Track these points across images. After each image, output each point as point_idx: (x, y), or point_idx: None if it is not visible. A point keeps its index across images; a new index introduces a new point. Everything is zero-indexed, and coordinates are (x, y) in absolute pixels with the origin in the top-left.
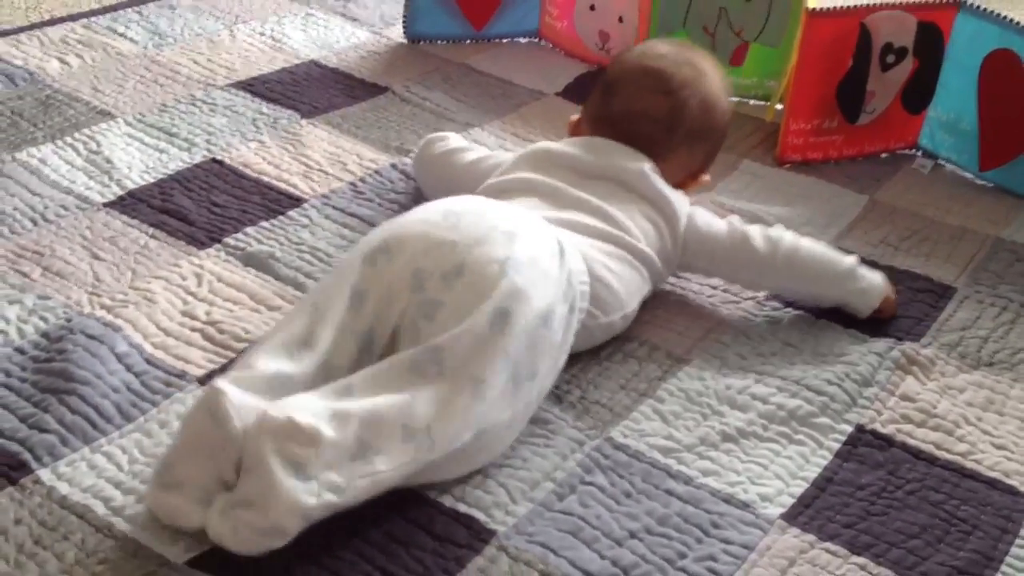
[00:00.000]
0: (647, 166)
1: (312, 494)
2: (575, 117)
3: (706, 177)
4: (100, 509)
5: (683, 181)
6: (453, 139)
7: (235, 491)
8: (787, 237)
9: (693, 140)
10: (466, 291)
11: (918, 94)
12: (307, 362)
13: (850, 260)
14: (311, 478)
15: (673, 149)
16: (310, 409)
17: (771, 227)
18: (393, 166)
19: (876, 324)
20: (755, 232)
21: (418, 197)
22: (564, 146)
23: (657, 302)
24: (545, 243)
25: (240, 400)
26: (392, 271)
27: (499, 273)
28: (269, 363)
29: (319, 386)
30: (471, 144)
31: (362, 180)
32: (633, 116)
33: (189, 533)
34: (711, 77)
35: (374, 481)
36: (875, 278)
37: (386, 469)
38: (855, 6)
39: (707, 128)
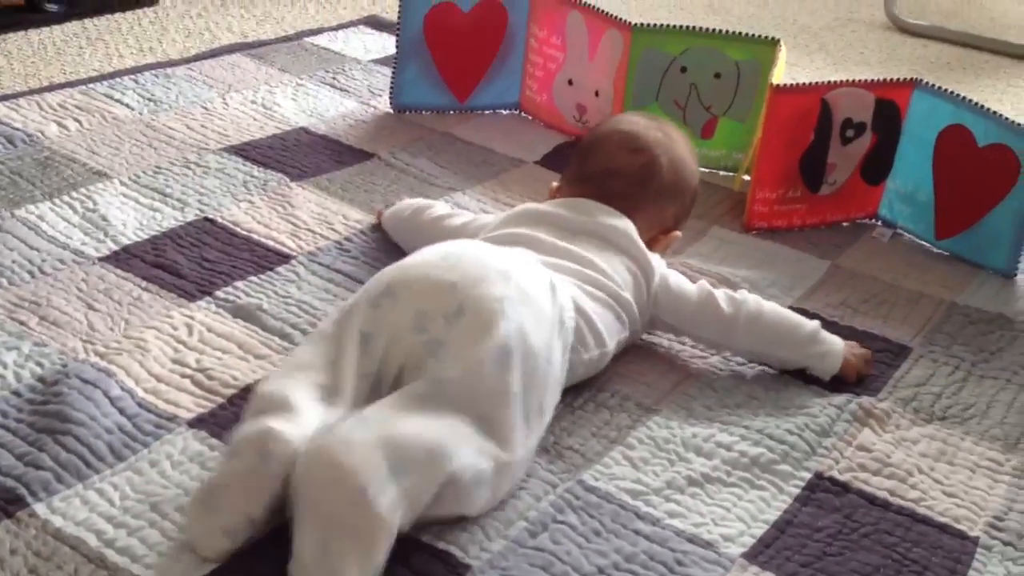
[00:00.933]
0: (629, 225)
1: (393, 508)
2: (555, 184)
3: (677, 233)
4: (93, 541)
5: (655, 238)
6: (439, 206)
7: (313, 526)
8: (751, 300)
9: (663, 196)
10: (468, 330)
11: (877, 167)
12: (339, 411)
13: (812, 325)
14: (385, 487)
15: (645, 205)
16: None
17: (737, 291)
18: (378, 227)
19: (836, 380)
20: (721, 294)
21: (402, 256)
22: (548, 206)
23: (629, 356)
24: (538, 281)
25: (287, 443)
26: (395, 313)
27: (498, 312)
28: (313, 409)
29: None
30: (457, 210)
31: (348, 239)
32: (608, 173)
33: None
34: (679, 141)
35: (410, 501)
36: (836, 343)
37: (418, 483)
38: (817, 83)
39: (676, 185)
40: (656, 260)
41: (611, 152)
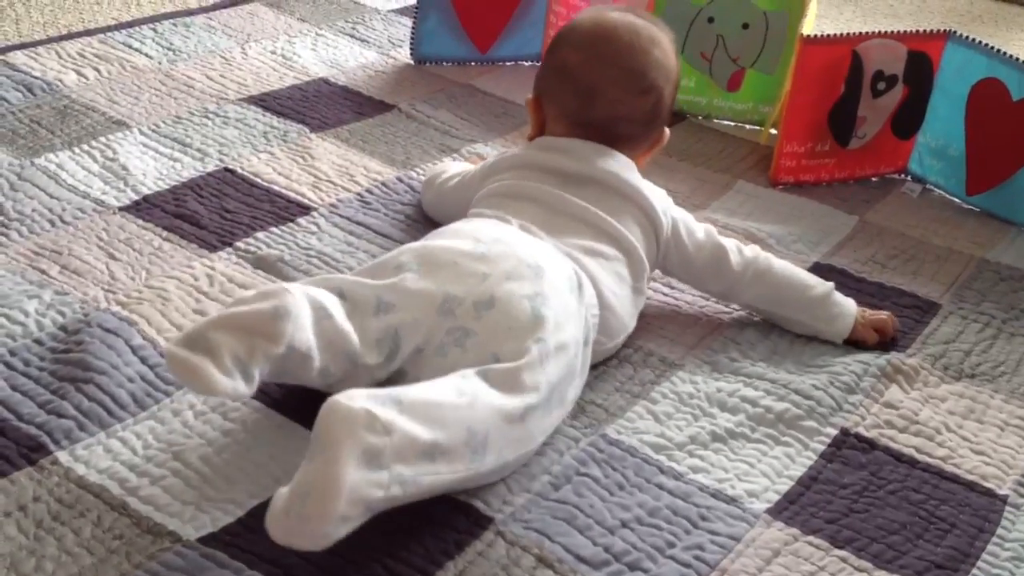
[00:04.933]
0: (629, 168)
1: (381, 486)
2: (529, 97)
3: (666, 132)
4: (115, 489)
5: (648, 149)
6: (446, 171)
7: (298, 479)
8: (762, 256)
9: (664, 120)
10: (497, 323)
11: (908, 120)
12: (354, 319)
13: (824, 287)
14: (383, 468)
15: (648, 136)
16: (382, 399)
17: (748, 245)
18: (399, 179)
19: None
20: (732, 246)
21: (423, 209)
22: (543, 153)
23: (651, 312)
24: (566, 278)
25: (300, 308)
26: (421, 292)
27: (530, 309)
28: (328, 297)
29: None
30: (457, 171)
31: (368, 191)
32: (617, 120)
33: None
34: (668, 46)
35: (433, 482)
36: (848, 306)
37: (447, 472)
38: (848, 34)
39: (673, 102)
40: (660, 200)
41: (619, 98)
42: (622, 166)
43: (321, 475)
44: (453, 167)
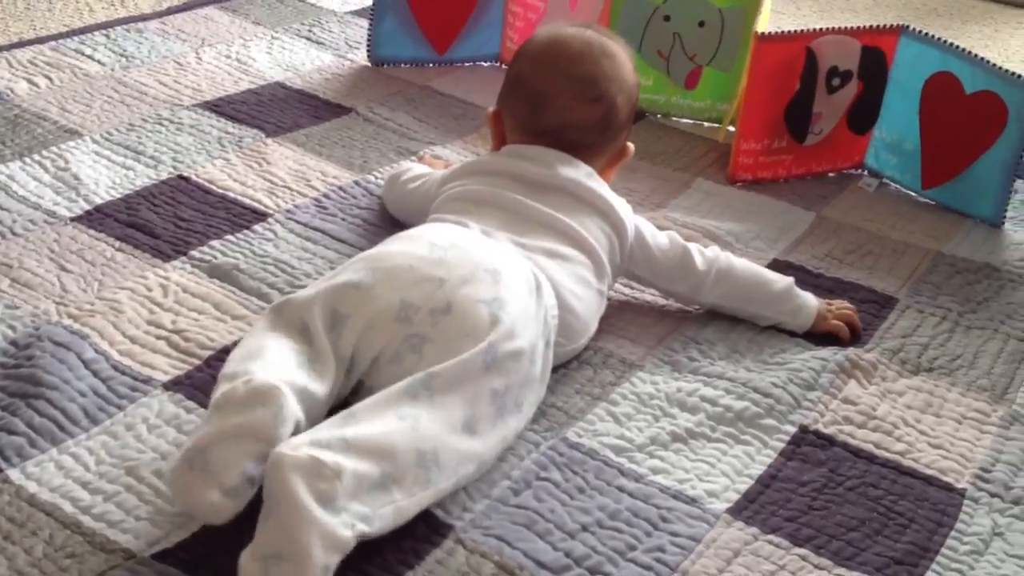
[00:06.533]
0: (592, 176)
1: (346, 527)
2: (493, 110)
3: (630, 147)
4: (68, 507)
5: (612, 162)
6: (411, 170)
7: (265, 538)
8: (723, 256)
9: (621, 130)
10: (454, 329)
11: (863, 116)
12: (325, 382)
13: (784, 282)
14: (341, 510)
15: (605, 146)
16: (325, 443)
17: (709, 247)
18: (356, 183)
19: (826, 336)
20: (694, 249)
21: (381, 213)
22: (507, 159)
23: (612, 313)
24: (524, 280)
25: (292, 406)
26: (377, 299)
27: (487, 315)
28: (299, 377)
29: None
30: (422, 172)
31: (326, 196)
32: (567, 127)
33: (169, 521)
34: (624, 63)
35: (396, 510)
36: (809, 299)
37: (403, 498)
38: (802, 31)
39: (630, 113)
40: (624, 208)
41: (567, 105)
42: (585, 174)
43: (290, 525)
44: (417, 167)
